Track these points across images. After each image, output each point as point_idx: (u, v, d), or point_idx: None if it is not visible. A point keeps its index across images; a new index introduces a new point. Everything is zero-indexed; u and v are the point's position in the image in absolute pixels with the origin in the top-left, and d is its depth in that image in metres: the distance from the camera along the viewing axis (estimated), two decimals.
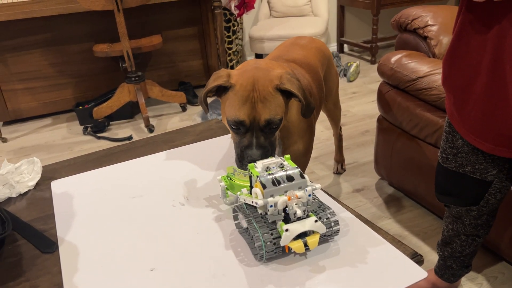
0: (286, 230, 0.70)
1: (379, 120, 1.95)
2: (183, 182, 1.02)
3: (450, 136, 1.10)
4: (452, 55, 0.97)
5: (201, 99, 1.03)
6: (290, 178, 0.74)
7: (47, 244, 0.85)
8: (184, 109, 3.34)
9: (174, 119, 3.20)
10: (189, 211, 0.90)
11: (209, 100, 3.20)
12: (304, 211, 0.72)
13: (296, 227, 0.71)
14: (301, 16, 4.00)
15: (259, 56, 4.03)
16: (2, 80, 3.20)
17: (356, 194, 2.07)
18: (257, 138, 0.96)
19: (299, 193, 0.72)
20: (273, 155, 1.00)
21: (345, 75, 3.68)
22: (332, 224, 0.76)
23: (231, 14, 3.63)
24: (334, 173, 2.27)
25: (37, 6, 2.82)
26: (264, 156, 0.96)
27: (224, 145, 1.19)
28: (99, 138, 2.96)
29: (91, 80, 3.43)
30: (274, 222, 0.74)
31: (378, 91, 1.88)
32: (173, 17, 3.47)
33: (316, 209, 0.78)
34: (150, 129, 3.00)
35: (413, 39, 1.87)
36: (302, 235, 0.72)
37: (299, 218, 0.72)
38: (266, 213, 0.73)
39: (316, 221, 0.72)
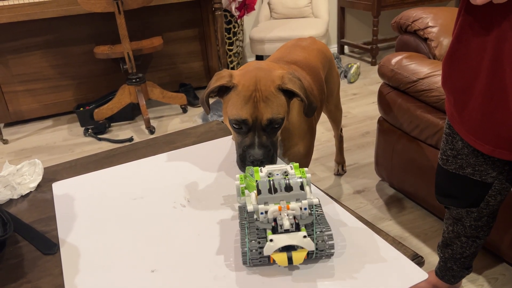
0: (271, 240, 0.68)
1: (380, 122, 1.96)
2: (184, 183, 1.02)
3: (450, 138, 1.10)
4: (451, 57, 0.97)
5: (203, 99, 1.03)
6: (288, 188, 0.71)
7: (49, 245, 0.85)
8: (184, 110, 3.34)
9: (174, 121, 3.20)
10: (190, 212, 0.91)
11: (211, 101, 3.20)
12: (292, 224, 0.69)
13: (281, 239, 0.68)
14: (302, 18, 4.01)
15: (259, 57, 4.03)
16: (3, 82, 3.21)
17: (356, 196, 2.07)
18: (259, 137, 0.96)
19: (293, 205, 0.69)
20: (275, 155, 1.00)
21: (345, 76, 3.68)
22: (327, 246, 0.71)
23: (232, 15, 3.63)
24: (334, 174, 2.27)
25: (38, 8, 2.82)
26: (266, 155, 0.96)
27: (225, 146, 1.19)
28: (100, 139, 2.97)
29: (92, 82, 3.44)
30: (265, 230, 0.71)
31: (379, 92, 1.88)
32: (174, 18, 3.48)
33: (313, 225, 0.73)
34: (151, 130, 3.01)
35: (413, 40, 1.87)
36: (291, 248, 0.69)
37: (287, 231, 0.69)
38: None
39: (305, 236, 0.68)
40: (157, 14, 3.42)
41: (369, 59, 4.23)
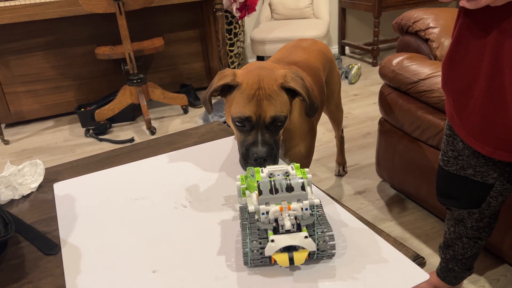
0: (272, 240, 0.68)
1: (381, 122, 1.96)
2: (185, 184, 1.02)
3: (450, 139, 1.10)
4: (451, 58, 0.97)
5: (205, 98, 1.03)
6: (290, 189, 0.71)
7: (50, 246, 0.85)
8: (185, 111, 3.34)
9: (175, 121, 3.20)
10: (191, 213, 0.91)
11: (212, 101, 3.20)
12: (294, 224, 0.69)
13: (283, 239, 0.68)
14: (303, 19, 4.01)
15: (260, 58, 4.04)
16: (5, 83, 3.21)
17: (357, 196, 2.07)
18: (262, 135, 0.97)
19: (294, 205, 0.69)
20: (277, 154, 1.00)
21: (346, 77, 3.68)
22: (328, 247, 0.71)
23: (233, 16, 3.63)
24: (335, 175, 2.27)
25: (39, 9, 2.83)
26: (270, 153, 0.96)
27: (226, 147, 1.19)
28: (101, 140, 2.97)
29: (93, 83, 3.45)
30: (267, 231, 0.71)
31: (380, 93, 1.88)
32: (175, 19, 3.49)
33: (315, 225, 0.73)
34: (152, 131, 3.01)
35: (414, 41, 1.87)
36: (292, 249, 0.70)
37: (288, 231, 0.69)
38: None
39: (306, 237, 0.68)
40: (158, 15, 3.42)
41: (370, 60, 4.23)
